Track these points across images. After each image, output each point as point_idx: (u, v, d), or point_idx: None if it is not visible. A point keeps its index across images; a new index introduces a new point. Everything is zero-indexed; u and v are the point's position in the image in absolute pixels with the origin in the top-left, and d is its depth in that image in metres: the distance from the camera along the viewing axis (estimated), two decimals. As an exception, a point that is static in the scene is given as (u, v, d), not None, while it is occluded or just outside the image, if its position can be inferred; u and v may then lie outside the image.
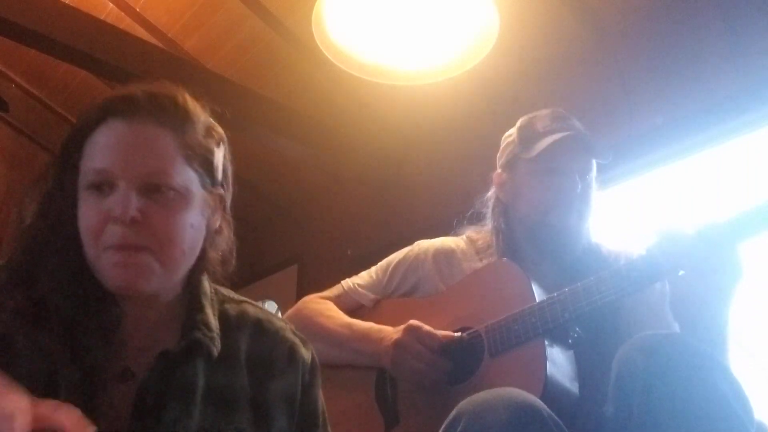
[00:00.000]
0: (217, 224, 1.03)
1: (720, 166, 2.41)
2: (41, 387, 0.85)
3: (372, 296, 1.64)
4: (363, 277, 1.68)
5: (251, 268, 4.28)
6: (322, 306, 1.64)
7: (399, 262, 1.64)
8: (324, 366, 1.64)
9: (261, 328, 1.07)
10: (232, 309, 1.07)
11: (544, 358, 1.27)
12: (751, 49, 2.30)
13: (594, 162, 1.53)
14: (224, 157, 1.05)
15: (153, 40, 3.18)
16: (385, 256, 1.70)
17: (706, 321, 1.18)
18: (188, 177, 0.97)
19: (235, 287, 1.18)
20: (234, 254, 1.07)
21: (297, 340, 1.10)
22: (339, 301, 1.66)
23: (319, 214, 3.98)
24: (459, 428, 1.06)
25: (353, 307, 1.65)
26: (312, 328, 1.61)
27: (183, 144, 0.97)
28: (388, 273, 1.64)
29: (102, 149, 0.95)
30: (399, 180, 3.51)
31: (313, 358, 1.13)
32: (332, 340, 1.57)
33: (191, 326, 0.99)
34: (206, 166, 1.00)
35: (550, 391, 1.23)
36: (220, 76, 3.24)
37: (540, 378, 1.24)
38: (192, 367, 0.96)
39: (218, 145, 1.03)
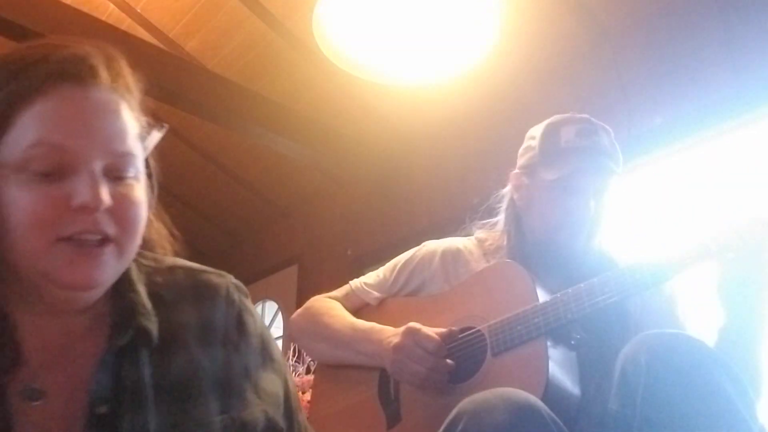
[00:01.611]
0: (153, 207, 0.89)
1: (718, 165, 2.42)
2: None
3: (377, 295, 1.64)
4: (370, 277, 1.68)
5: (251, 269, 4.29)
6: (328, 305, 1.64)
7: (406, 263, 1.64)
8: (328, 365, 1.66)
9: (200, 293, 0.90)
10: (162, 279, 0.89)
11: (546, 358, 1.27)
12: (748, 49, 2.32)
13: (612, 180, 1.49)
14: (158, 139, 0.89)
15: (154, 41, 3.19)
16: (385, 256, 1.71)
17: (757, 302, 1.22)
18: (141, 157, 0.83)
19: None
20: (173, 236, 0.93)
21: (243, 303, 0.93)
22: (346, 301, 1.66)
23: (319, 214, 3.99)
24: (459, 428, 1.07)
25: (359, 306, 1.65)
26: (316, 328, 1.62)
27: (135, 118, 0.83)
28: (395, 273, 1.64)
29: (55, 120, 0.76)
30: (399, 180, 3.52)
31: (261, 325, 0.95)
32: (335, 340, 1.58)
33: (130, 312, 0.83)
34: (145, 143, 0.86)
35: (551, 391, 1.23)
36: (220, 76, 3.25)
37: (541, 378, 1.25)
38: (137, 360, 0.81)
39: (158, 124, 0.88)
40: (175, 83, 3.05)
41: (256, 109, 3.25)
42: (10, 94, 0.77)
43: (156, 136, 0.87)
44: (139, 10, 3.16)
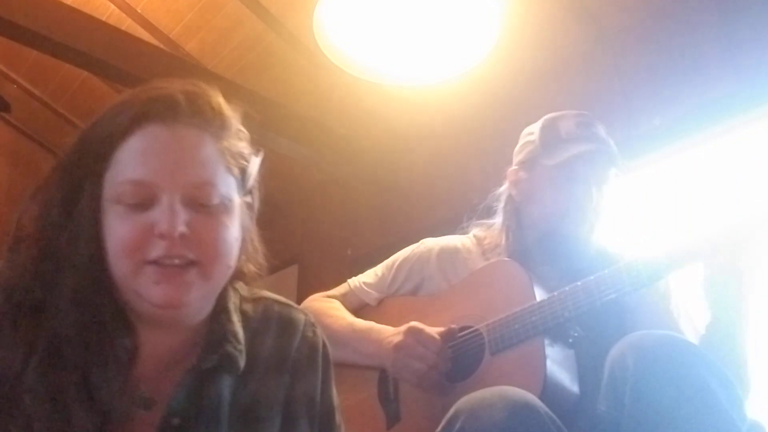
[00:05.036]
0: (251, 234, 0.96)
1: (717, 165, 2.41)
2: (55, 429, 0.80)
3: (376, 294, 1.64)
4: (368, 276, 1.68)
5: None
6: (327, 305, 1.64)
7: (404, 261, 1.64)
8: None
9: (284, 326, 1.01)
10: (252, 309, 1.00)
11: (544, 357, 1.28)
12: (747, 49, 2.32)
13: (612, 172, 1.51)
14: (257, 164, 0.98)
15: (154, 41, 3.19)
16: (385, 256, 1.71)
17: (739, 302, 1.22)
18: (230, 186, 0.90)
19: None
20: (262, 263, 1.01)
21: (317, 338, 1.05)
22: (345, 300, 1.66)
23: (319, 214, 3.98)
24: (457, 426, 1.07)
25: (358, 306, 1.65)
26: None
27: (223, 150, 0.90)
28: (393, 271, 1.64)
29: (141, 158, 0.86)
30: (399, 180, 3.52)
31: (327, 355, 1.06)
32: (335, 340, 1.57)
33: (221, 338, 0.92)
34: (242, 173, 0.93)
35: (549, 389, 1.24)
36: (220, 77, 3.24)
37: (539, 376, 1.25)
38: (219, 382, 0.90)
39: (255, 152, 0.97)
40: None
41: (256, 110, 3.24)
42: (107, 137, 0.87)
43: (255, 162, 0.96)
44: (139, 11, 3.16)
